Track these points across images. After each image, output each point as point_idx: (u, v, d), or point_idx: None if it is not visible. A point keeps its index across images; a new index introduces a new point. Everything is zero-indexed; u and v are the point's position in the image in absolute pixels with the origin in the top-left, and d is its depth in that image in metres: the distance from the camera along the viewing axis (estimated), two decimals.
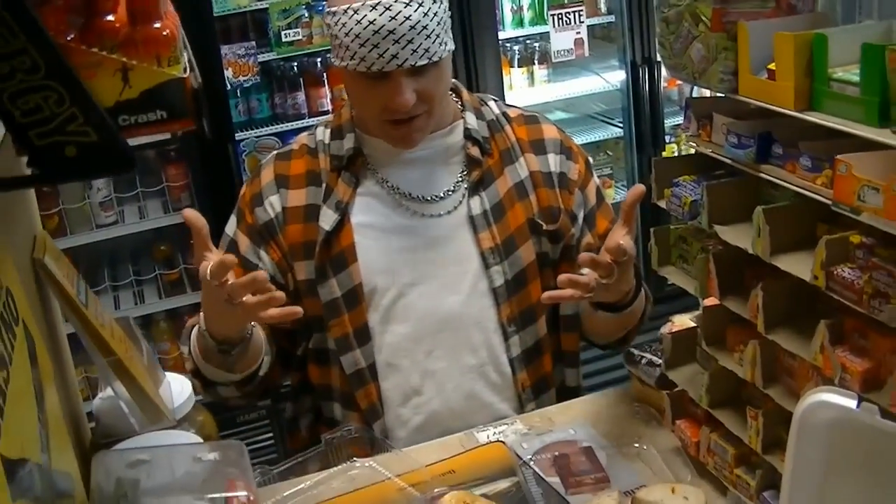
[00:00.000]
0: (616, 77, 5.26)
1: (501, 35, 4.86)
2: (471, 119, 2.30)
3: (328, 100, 4.60)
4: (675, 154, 5.17)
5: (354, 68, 2.05)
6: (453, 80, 2.33)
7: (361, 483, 2.03)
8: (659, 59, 5.00)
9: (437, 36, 2.05)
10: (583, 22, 4.83)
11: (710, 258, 1.76)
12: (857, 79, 1.47)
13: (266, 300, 1.87)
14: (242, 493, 1.21)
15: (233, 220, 2.32)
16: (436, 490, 1.89)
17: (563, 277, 1.92)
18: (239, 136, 4.42)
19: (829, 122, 1.51)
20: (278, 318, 1.92)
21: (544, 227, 2.28)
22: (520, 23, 5.02)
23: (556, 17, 4.77)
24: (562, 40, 4.82)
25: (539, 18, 5.00)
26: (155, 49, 0.94)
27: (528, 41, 5.12)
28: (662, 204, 1.89)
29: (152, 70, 0.93)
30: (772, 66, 1.62)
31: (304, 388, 2.37)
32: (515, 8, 4.97)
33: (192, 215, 1.90)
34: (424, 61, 2.03)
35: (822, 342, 1.51)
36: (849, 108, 1.48)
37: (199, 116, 1.08)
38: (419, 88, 2.08)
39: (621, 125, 5.32)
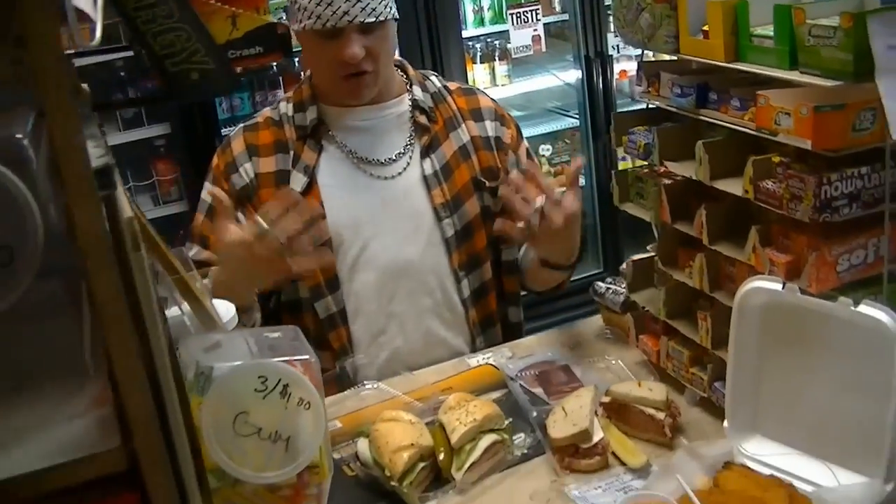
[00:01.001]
0: (571, 75, 5.63)
1: (464, 34, 5.22)
2: (417, 91, 2.64)
3: None
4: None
5: (311, 27, 2.37)
6: (400, 58, 2.67)
7: (372, 402, 2.36)
8: (611, 52, 5.38)
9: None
10: (539, 20, 5.21)
11: (662, 189, 2.12)
12: (772, 34, 1.84)
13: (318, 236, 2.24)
14: (305, 356, 1.54)
15: (208, 185, 2.60)
16: (439, 398, 2.22)
17: (497, 222, 2.34)
18: (224, 132, 4.73)
19: (752, 69, 1.88)
20: (313, 266, 2.30)
21: (487, 184, 2.61)
22: (481, 22, 5.39)
23: (514, 16, 5.14)
24: (520, 37, 5.20)
25: (499, 17, 5.37)
26: (254, 2, 1.28)
27: (489, 39, 5.48)
28: (621, 150, 2.25)
29: (253, 17, 1.27)
30: (705, 28, 1.99)
31: None
32: (476, 8, 5.33)
33: (218, 192, 2.24)
34: (371, 19, 2.37)
35: (754, 244, 1.88)
36: (766, 57, 1.85)
37: (287, 52, 1.42)
38: (367, 45, 2.41)
39: (577, 116, 5.69)
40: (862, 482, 1.72)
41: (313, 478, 1.56)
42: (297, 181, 2.50)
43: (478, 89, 2.81)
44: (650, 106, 2.24)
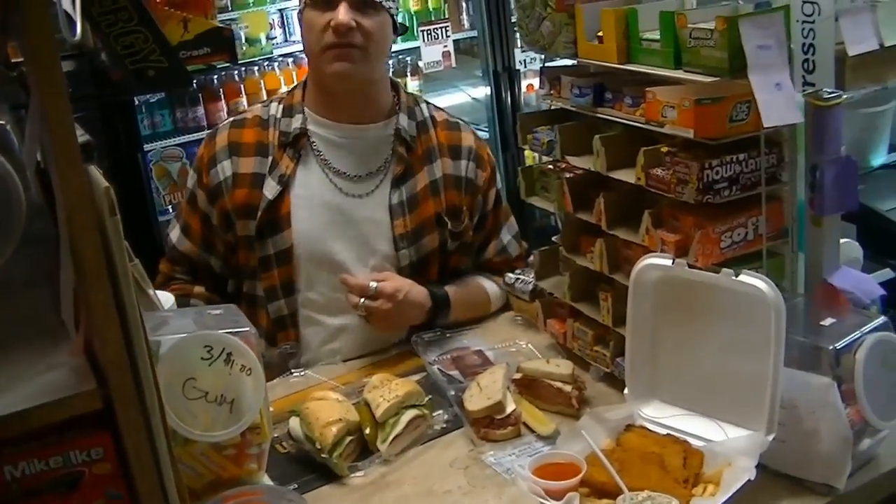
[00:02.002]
0: (480, 90, 5.83)
1: None
2: (403, 119, 2.72)
3: (225, 113, 5.04)
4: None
5: None
6: (394, 78, 2.81)
7: (300, 387, 2.52)
8: (518, 67, 5.60)
9: None
10: (449, 36, 5.42)
11: (564, 181, 2.32)
12: (658, 37, 2.06)
13: None
14: (245, 329, 1.71)
15: (193, 175, 2.72)
16: (363, 380, 2.39)
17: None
18: (146, 147, 4.85)
19: (642, 69, 2.10)
20: None
21: (450, 225, 2.72)
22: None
23: (425, 33, 5.34)
24: (431, 53, 5.40)
25: (410, 35, 5.55)
26: (204, 8, 1.45)
27: (400, 55, 5.67)
28: (526, 147, 2.46)
29: (203, 21, 1.44)
30: (600, 33, 2.20)
31: None
32: None
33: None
34: None
35: (647, 226, 2.09)
36: (654, 59, 2.08)
37: (233, 53, 1.59)
38: (359, 22, 2.50)
39: (487, 129, 5.88)
40: (747, 434, 1.92)
41: (255, 438, 1.74)
42: (270, 188, 2.61)
43: (463, 123, 2.89)
44: (553, 107, 2.44)
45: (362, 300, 2.54)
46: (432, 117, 2.81)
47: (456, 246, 2.76)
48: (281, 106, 2.72)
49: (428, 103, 2.87)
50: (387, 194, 2.68)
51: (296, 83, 2.77)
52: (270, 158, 2.65)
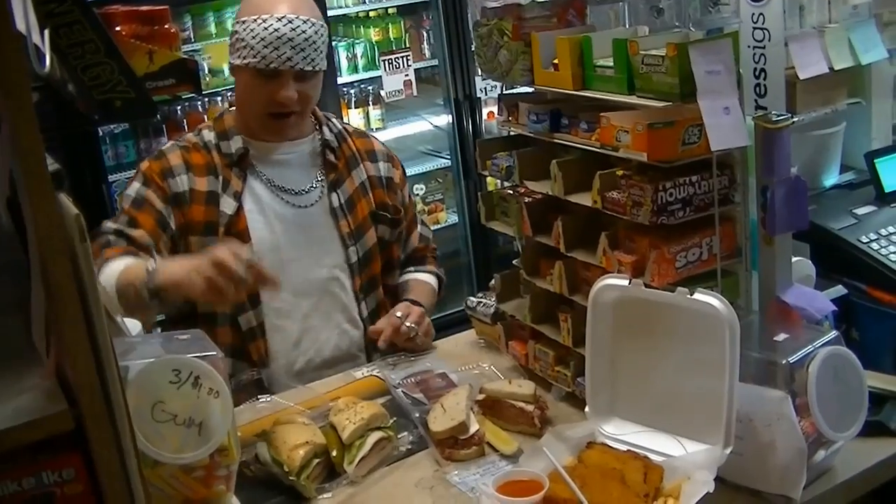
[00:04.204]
0: (442, 118, 5.90)
1: (339, 80, 5.45)
2: (326, 132, 2.90)
3: None
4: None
5: (255, 66, 2.59)
6: None
7: (266, 413, 2.55)
8: (479, 95, 5.66)
9: (321, 51, 2.66)
10: (410, 65, 5.48)
11: (523, 206, 2.38)
12: (612, 64, 2.12)
13: None
14: (212, 353, 1.74)
15: (136, 185, 2.71)
16: (329, 404, 2.43)
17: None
18: (110, 178, 4.85)
19: (597, 95, 2.16)
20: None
21: (388, 216, 2.91)
22: (355, 69, 5.64)
23: (386, 62, 5.40)
24: (393, 82, 5.46)
25: (371, 64, 5.63)
26: (168, 41, 1.50)
27: (362, 85, 5.73)
28: (486, 173, 2.51)
29: (167, 53, 1.49)
30: (556, 61, 2.26)
31: None
32: (350, 55, 5.58)
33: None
34: (309, 68, 2.64)
35: (604, 248, 2.14)
36: (608, 84, 2.14)
37: (197, 84, 1.64)
38: (300, 90, 2.67)
39: (449, 157, 5.95)
40: (705, 449, 1.97)
41: (223, 459, 1.77)
42: (228, 205, 2.72)
43: (368, 132, 3.13)
44: (511, 133, 2.50)
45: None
46: (344, 129, 2.99)
47: (395, 236, 2.94)
48: (213, 133, 2.81)
49: (336, 118, 3.04)
50: (327, 200, 2.84)
51: (219, 112, 2.86)
52: (221, 178, 2.74)
